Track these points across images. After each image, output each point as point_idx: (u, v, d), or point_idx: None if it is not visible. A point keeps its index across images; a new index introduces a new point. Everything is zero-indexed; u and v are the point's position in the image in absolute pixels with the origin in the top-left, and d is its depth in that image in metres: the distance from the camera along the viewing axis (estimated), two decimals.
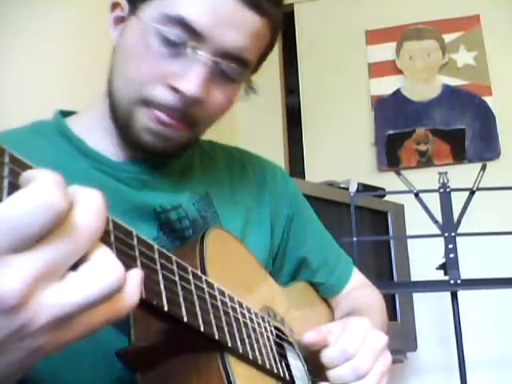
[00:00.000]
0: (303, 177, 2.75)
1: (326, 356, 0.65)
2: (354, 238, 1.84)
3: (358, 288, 0.93)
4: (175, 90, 0.64)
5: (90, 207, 0.35)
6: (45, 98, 1.31)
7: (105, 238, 0.38)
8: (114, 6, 0.72)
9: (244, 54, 0.66)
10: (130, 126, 0.67)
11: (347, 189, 2.15)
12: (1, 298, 0.31)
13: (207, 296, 0.52)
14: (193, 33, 0.63)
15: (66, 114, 0.77)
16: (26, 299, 0.32)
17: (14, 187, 0.32)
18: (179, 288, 0.47)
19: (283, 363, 0.66)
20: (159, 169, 0.74)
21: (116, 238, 0.40)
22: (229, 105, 0.71)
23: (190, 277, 0.50)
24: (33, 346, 0.34)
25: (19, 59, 1.34)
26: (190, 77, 0.63)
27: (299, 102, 2.93)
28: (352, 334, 0.66)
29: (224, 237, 0.68)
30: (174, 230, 0.72)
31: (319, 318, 0.87)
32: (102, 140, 0.72)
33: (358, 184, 2.20)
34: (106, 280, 0.34)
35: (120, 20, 0.71)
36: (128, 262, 0.40)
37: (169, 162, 0.75)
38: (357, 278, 0.94)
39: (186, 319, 0.46)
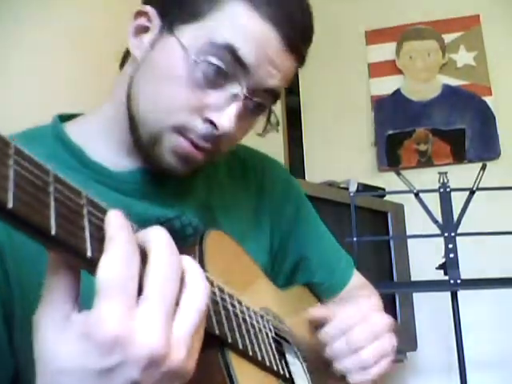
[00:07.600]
0: (303, 177, 2.74)
1: (323, 332, 0.66)
2: (354, 238, 1.84)
3: (357, 288, 0.92)
4: (210, 122, 0.64)
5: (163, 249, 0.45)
6: (46, 99, 1.31)
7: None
8: (139, 14, 0.68)
9: (278, 92, 0.69)
10: (155, 147, 0.66)
11: (347, 189, 2.14)
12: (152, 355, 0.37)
13: None
14: (238, 63, 0.62)
15: (65, 118, 0.74)
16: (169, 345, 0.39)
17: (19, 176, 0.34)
18: None
19: (282, 361, 0.66)
20: (160, 178, 0.73)
21: None
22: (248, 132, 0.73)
23: None
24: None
25: (21, 60, 1.34)
26: (227, 113, 0.63)
27: (299, 102, 2.93)
28: (350, 311, 0.68)
29: (223, 239, 0.68)
30: (177, 239, 0.71)
31: None
32: (101, 148, 0.70)
33: (358, 184, 2.20)
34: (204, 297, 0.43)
35: (143, 30, 0.67)
36: None
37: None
38: (356, 280, 0.94)
39: None
